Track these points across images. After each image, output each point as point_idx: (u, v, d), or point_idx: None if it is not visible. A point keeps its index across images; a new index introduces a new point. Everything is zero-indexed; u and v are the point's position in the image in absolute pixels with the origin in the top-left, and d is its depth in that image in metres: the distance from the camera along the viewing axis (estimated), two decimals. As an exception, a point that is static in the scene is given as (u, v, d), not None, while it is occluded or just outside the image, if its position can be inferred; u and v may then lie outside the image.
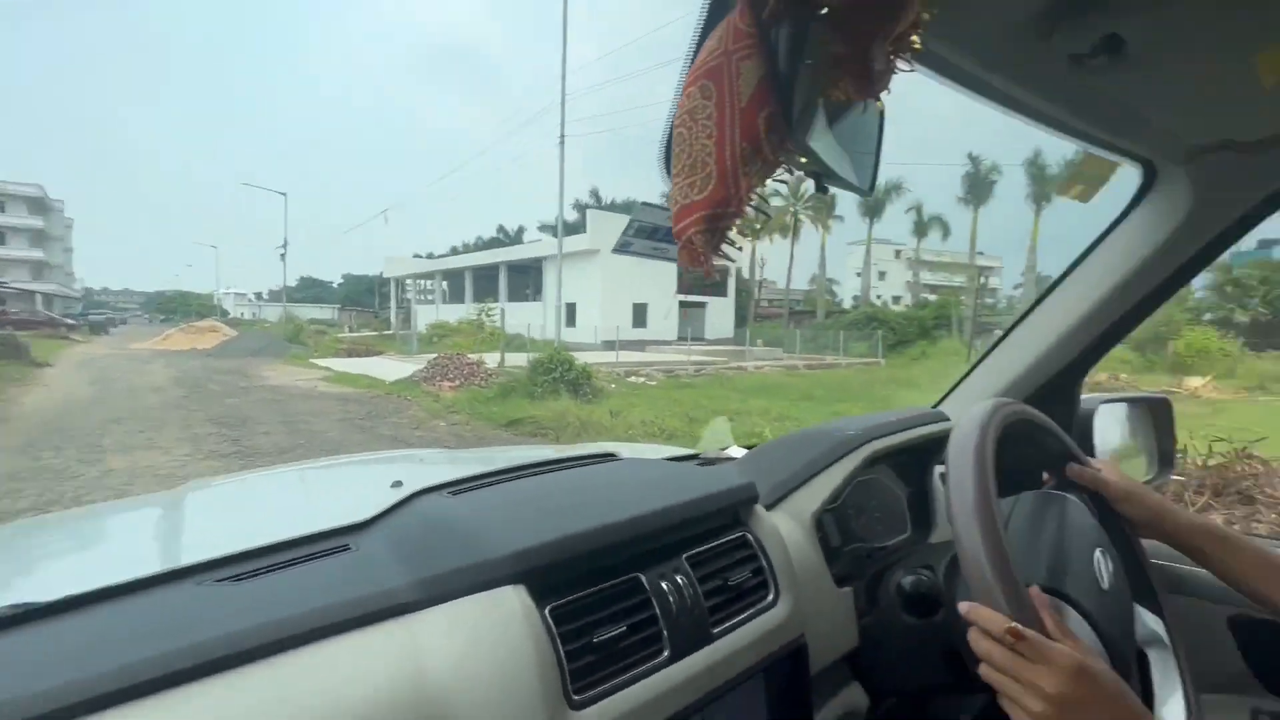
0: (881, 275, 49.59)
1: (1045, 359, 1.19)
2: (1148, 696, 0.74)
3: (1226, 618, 1.06)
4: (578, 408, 8.85)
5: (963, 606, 0.62)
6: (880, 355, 22.84)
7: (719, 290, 36.01)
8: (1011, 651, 0.58)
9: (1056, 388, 1.22)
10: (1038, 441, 0.89)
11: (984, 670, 0.60)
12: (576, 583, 0.60)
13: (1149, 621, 0.82)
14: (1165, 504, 0.85)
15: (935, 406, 1.28)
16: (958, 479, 0.63)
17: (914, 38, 0.41)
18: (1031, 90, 0.77)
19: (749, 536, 0.78)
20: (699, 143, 0.42)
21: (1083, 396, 1.24)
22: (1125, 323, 1.15)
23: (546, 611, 0.56)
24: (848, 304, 45.06)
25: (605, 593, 0.61)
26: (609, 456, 1.05)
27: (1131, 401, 1.26)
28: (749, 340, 26.09)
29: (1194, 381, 12.56)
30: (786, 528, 0.88)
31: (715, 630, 0.67)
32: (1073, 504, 0.84)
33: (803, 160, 0.42)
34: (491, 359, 13.18)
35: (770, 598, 0.75)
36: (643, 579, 0.64)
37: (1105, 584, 0.76)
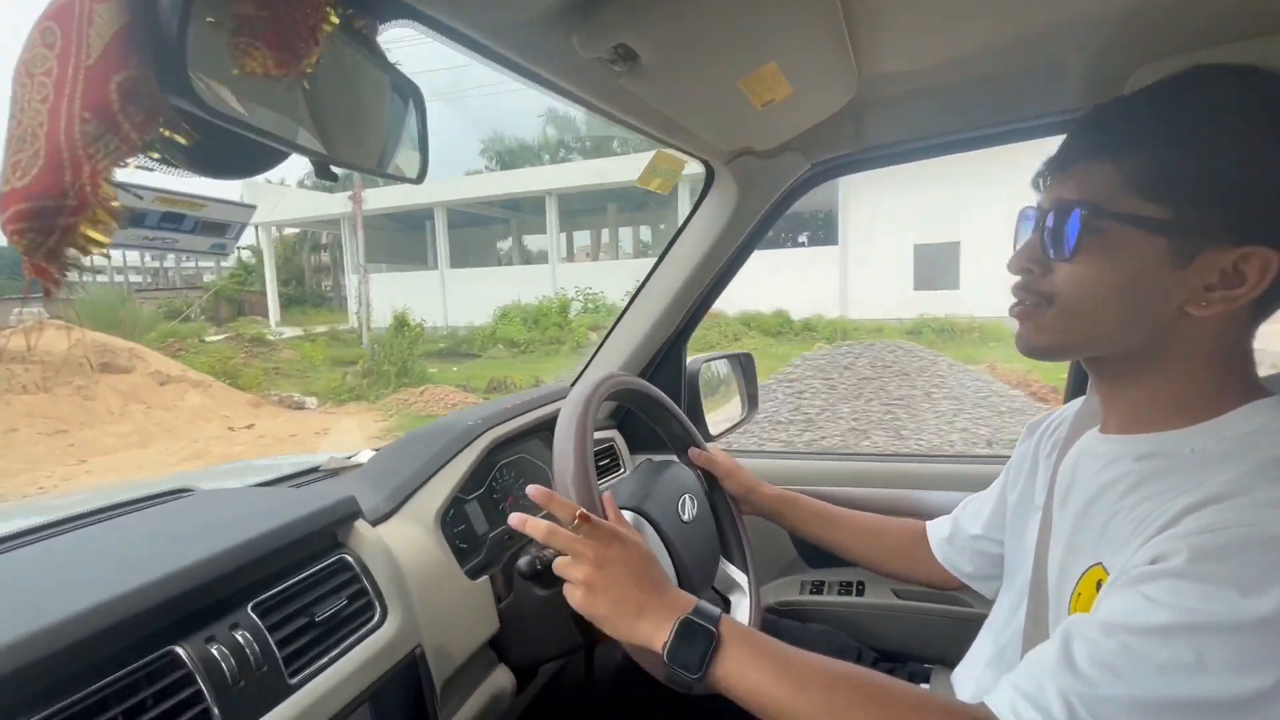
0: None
1: (654, 332, 1.36)
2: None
3: None
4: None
5: (513, 519, 0.70)
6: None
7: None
8: (572, 534, 0.67)
9: (667, 354, 1.42)
10: (664, 424, 1.02)
11: (556, 563, 0.69)
12: (69, 684, 0.48)
13: (734, 574, 0.99)
14: (754, 480, 1.04)
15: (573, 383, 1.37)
16: (562, 424, 0.76)
17: (329, 10, 0.36)
18: (580, 85, 0.82)
19: (348, 558, 0.73)
20: (31, 107, 0.31)
21: (688, 358, 1.47)
22: (709, 295, 1.38)
23: None
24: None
25: (113, 686, 0.50)
26: (182, 492, 0.88)
27: (723, 358, 1.54)
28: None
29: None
30: (407, 533, 0.85)
31: (294, 680, 0.60)
32: (679, 466, 0.98)
33: (183, 144, 0.34)
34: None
35: (377, 617, 0.72)
36: (180, 652, 0.54)
37: (685, 518, 0.90)
